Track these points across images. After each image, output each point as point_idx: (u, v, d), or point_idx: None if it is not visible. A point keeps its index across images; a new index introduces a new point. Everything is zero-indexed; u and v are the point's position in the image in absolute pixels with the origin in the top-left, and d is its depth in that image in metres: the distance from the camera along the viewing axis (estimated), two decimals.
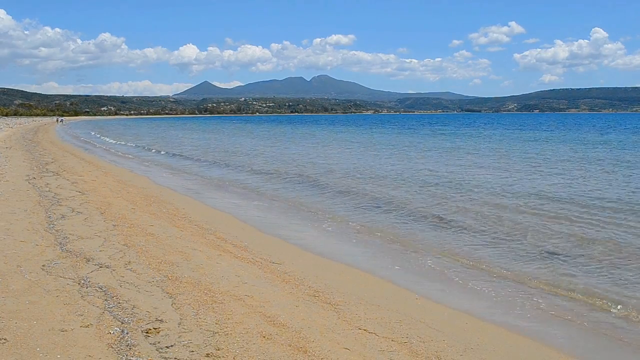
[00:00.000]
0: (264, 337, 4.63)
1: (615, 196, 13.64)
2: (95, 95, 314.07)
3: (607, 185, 15.88)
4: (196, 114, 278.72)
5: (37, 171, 16.25)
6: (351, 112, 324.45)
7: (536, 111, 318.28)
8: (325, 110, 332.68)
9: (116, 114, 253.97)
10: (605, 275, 7.47)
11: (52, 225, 8.43)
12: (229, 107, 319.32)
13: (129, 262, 6.63)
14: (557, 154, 28.10)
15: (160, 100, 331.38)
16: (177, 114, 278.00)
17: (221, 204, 13.42)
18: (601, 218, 10.96)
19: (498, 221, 10.89)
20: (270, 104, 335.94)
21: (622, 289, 6.91)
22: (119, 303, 5.17)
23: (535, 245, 9.04)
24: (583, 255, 8.43)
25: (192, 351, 4.24)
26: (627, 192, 14.36)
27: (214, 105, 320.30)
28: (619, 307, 6.31)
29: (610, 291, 6.84)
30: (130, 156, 28.83)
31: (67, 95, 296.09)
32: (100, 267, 6.35)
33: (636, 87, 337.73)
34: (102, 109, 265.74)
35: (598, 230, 9.95)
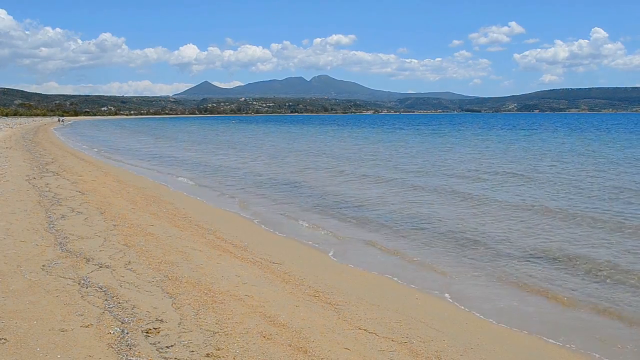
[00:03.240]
0: (264, 337, 4.63)
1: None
2: (96, 95, 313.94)
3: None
4: (196, 114, 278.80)
5: (37, 171, 16.24)
6: (351, 112, 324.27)
7: (536, 111, 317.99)
8: (325, 110, 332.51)
9: (116, 114, 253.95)
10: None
11: (52, 225, 8.43)
12: (229, 107, 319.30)
13: (129, 262, 6.62)
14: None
15: (160, 100, 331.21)
16: (177, 114, 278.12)
17: (222, 204, 13.43)
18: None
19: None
20: (270, 104, 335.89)
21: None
22: (119, 303, 5.17)
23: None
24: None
25: (192, 351, 4.24)
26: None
27: (214, 105, 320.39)
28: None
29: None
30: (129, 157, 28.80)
31: (67, 95, 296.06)
32: (100, 267, 6.35)
33: (636, 87, 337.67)
34: (102, 109, 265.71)
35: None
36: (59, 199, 11.08)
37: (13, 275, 5.86)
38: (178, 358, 4.13)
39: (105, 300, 5.24)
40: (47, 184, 13.35)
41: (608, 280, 7.29)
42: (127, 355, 4.11)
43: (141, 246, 7.48)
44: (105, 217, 9.44)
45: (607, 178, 17.22)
